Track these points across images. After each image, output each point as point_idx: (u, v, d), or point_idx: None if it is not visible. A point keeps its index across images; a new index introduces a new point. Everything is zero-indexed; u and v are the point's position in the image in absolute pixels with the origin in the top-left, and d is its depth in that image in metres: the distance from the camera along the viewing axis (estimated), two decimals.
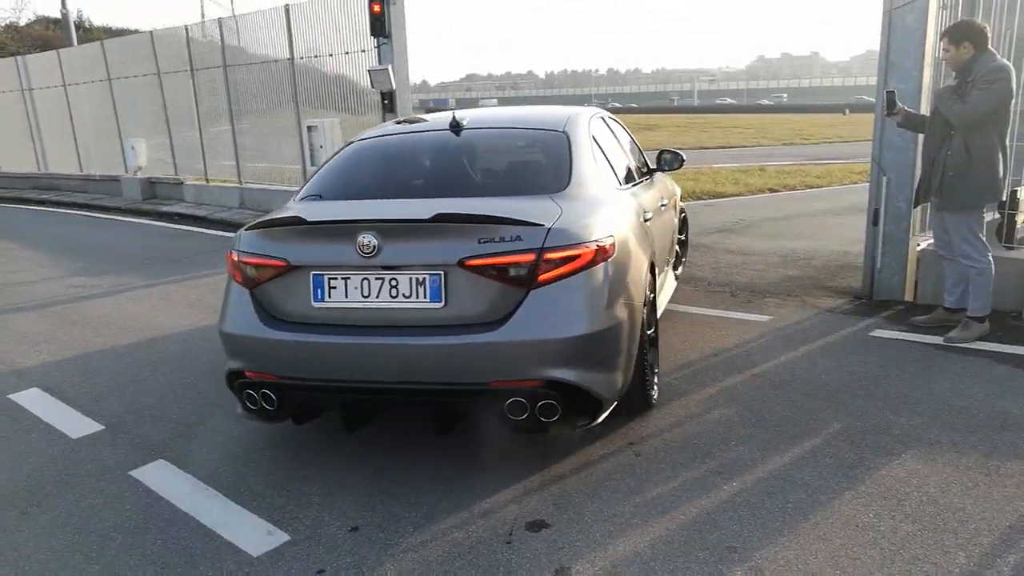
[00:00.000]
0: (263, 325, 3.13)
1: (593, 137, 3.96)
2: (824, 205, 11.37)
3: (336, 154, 4.05)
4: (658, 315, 4.16)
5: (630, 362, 3.24)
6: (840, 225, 9.27)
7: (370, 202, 3.46)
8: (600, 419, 3.13)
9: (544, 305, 2.89)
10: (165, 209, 12.50)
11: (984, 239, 4.64)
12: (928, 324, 4.91)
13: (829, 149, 32.23)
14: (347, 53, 9.30)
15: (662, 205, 4.74)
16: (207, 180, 12.65)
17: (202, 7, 67.75)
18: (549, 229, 2.93)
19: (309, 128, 9.73)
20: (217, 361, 4.29)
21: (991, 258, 4.62)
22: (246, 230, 3.29)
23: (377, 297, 2.99)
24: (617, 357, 3.11)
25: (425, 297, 2.95)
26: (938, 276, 5.01)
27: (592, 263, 2.98)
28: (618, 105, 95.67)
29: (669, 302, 5.21)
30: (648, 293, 3.60)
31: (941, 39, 4.65)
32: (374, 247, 2.93)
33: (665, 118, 62.10)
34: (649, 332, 3.65)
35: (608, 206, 3.42)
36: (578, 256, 2.95)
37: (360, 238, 2.93)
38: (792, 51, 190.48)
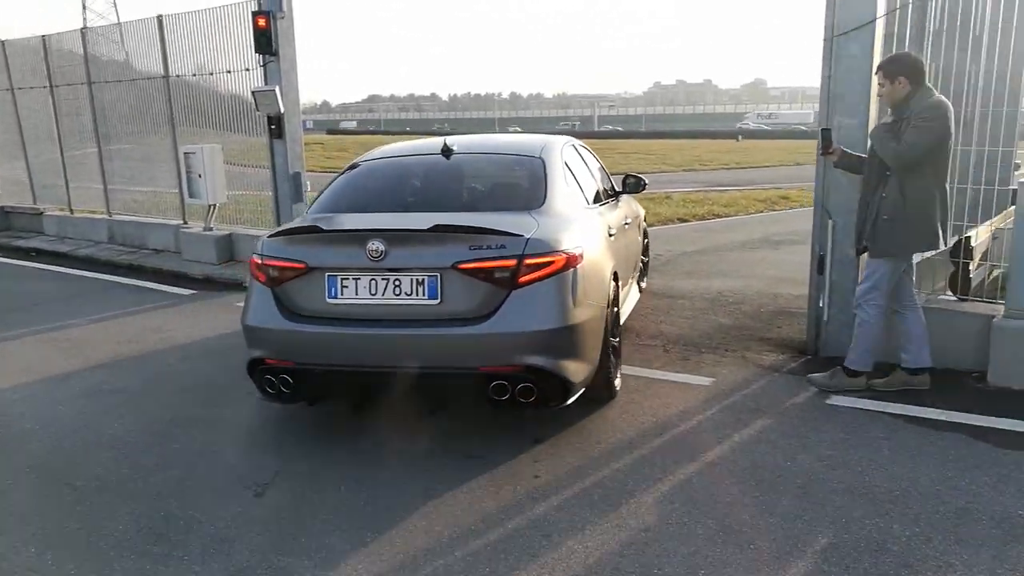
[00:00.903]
0: (283, 319, 3.65)
1: (565, 162, 4.55)
2: (738, 237, 11.08)
3: (340, 174, 4.63)
4: (622, 322, 4.79)
5: (595, 354, 3.81)
6: (761, 261, 8.91)
7: (377, 214, 4.03)
8: (570, 401, 3.69)
9: (523, 303, 3.44)
10: (21, 244, 10.98)
11: (885, 296, 4.27)
12: (887, 388, 4.40)
13: (728, 175, 32.89)
14: (229, 72, 8.30)
15: (626, 223, 5.28)
16: (71, 211, 11.22)
17: (84, 18, 63.77)
18: (528, 239, 3.50)
19: (186, 154, 8.64)
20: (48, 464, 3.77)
21: (881, 316, 4.30)
22: (268, 237, 3.86)
23: (383, 295, 3.53)
24: (584, 349, 3.67)
25: (424, 295, 3.50)
26: (891, 332, 4.53)
27: (564, 268, 3.53)
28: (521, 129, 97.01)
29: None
30: (611, 296, 4.15)
31: (876, 73, 4.23)
32: (381, 252, 3.47)
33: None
34: (613, 340, 4.25)
35: (578, 222, 4.04)
36: (552, 262, 3.50)
37: (370, 244, 3.47)
38: (687, 78, 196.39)
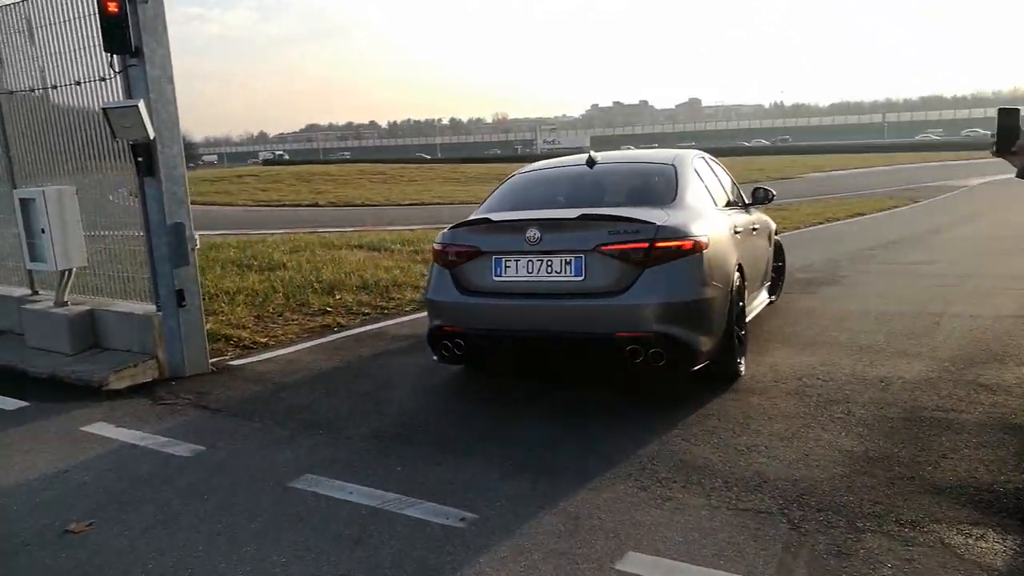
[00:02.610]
0: (457, 293, 4.61)
1: (696, 170, 5.36)
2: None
3: (502, 183, 5.59)
4: (748, 318, 5.40)
5: (718, 330, 4.52)
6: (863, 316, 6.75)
7: (532, 211, 4.77)
8: (696, 367, 4.44)
9: (654, 279, 4.23)
10: None
11: None
12: None
13: None
14: (79, 83, 5.84)
15: (753, 229, 5.92)
16: None
17: None
18: (659, 226, 4.30)
19: (22, 201, 6.13)
20: None
21: None
22: (449, 229, 4.79)
23: (538, 273, 4.40)
24: (708, 323, 4.42)
25: (571, 273, 4.33)
26: None
27: (691, 251, 4.31)
28: (498, 152, 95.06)
29: None
30: (736, 284, 4.83)
31: None
32: (538, 238, 4.34)
33: (515, 166, 60.70)
34: (739, 330, 4.94)
35: (704, 217, 4.78)
36: (680, 246, 4.29)
37: (528, 232, 4.37)
38: (623, 99, 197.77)
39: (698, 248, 4.35)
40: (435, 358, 4.90)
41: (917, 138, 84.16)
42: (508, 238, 4.50)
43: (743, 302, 5.16)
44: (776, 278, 7.31)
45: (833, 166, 47.54)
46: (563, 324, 4.36)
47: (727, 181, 6.13)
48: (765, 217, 6.90)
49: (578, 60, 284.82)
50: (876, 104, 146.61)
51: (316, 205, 29.83)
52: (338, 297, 8.32)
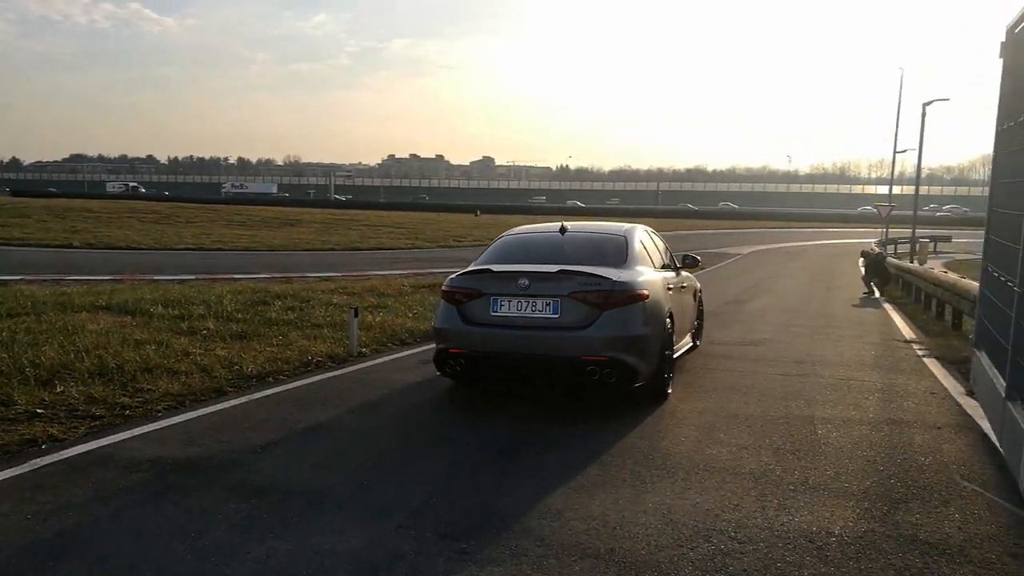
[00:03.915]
0: (462, 323, 6.02)
1: (640, 240, 6.99)
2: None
3: (494, 242, 7.08)
4: (676, 355, 7.05)
5: (654, 359, 6.08)
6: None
7: (521, 264, 6.22)
8: (636, 385, 5.94)
9: (610, 319, 5.75)
10: None
11: None
12: None
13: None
14: None
15: (681, 287, 7.62)
16: None
17: None
18: (614, 281, 5.85)
19: None
20: None
21: None
22: (456, 276, 6.31)
23: (525, 311, 5.86)
24: (646, 353, 5.96)
25: (550, 312, 5.82)
26: None
27: (636, 300, 5.91)
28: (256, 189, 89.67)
29: None
30: (668, 327, 6.43)
31: None
32: (526, 285, 5.84)
33: (307, 212, 57.74)
34: (668, 356, 6.50)
35: (646, 276, 6.35)
36: (628, 296, 5.86)
37: (520, 280, 5.88)
38: (420, 152, 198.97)
39: (641, 298, 6.00)
40: (438, 373, 6.42)
41: (679, 206, 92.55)
42: (504, 284, 6.00)
43: (673, 341, 6.79)
44: (698, 326, 8.94)
45: None
46: (542, 348, 5.83)
47: (663, 249, 7.75)
48: (692, 277, 8.61)
49: (375, 109, 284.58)
50: (650, 172, 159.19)
51: (69, 246, 25.61)
52: (59, 390, 6.05)
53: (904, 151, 39.53)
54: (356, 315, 8.43)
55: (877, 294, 17.70)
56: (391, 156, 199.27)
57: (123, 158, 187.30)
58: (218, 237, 31.91)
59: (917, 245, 31.56)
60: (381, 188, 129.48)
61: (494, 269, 6.18)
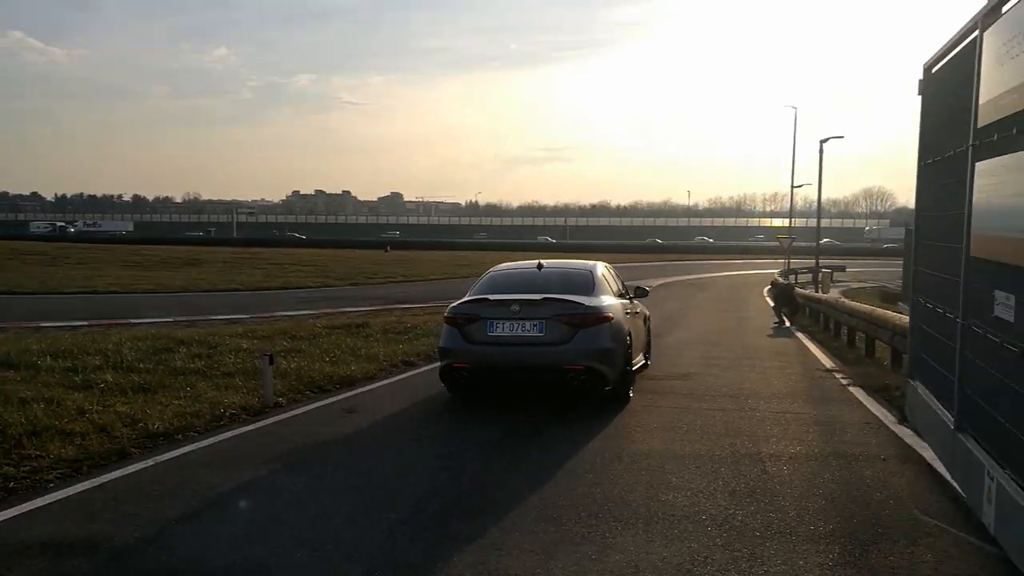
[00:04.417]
0: (463, 342, 7.30)
1: (602, 274, 8.44)
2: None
3: (483, 276, 8.48)
4: (634, 368, 8.45)
5: (619, 369, 7.51)
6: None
7: (510, 294, 7.53)
8: (606, 388, 7.40)
9: (585, 336, 7.10)
10: None
11: None
12: None
13: (402, 290, 30.19)
14: None
15: (636, 312, 9.12)
16: None
17: None
18: (586, 306, 7.26)
19: None
20: None
21: None
22: (457, 304, 7.64)
23: (516, 331, 7.14)
24: (614, 363, 7.37)
25: (536, 331, 7.11)
26: None
27: (604, 321, 7.31)
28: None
29: None
30: (628, 343, 7.89)
31: None
32: (517, 310, 7.16)
33: (209, 251, 55.44)
34: (629, 367, 7.97)
35: (609, 301, 7.80)
36: (597, 318, 7.25)
37: (512, 306, 7.19)
38: (326, 188, 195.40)
39: (608, 319, 7.44)
40: (444, 386, 7.82)
41: (539, 239, 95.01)
42: (498, 310, 7.31)
43: (632, 355, 8.22)
44: (648, 346, 10.39)
45: None
46: (531, 360, 7.25)
47: (618, 281, 9.10)
48: (642, 305, 9.91)
49: (278, 145, 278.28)
50: (557, 208, 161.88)
51: None
52: None
53: (800, 185, 41.43)
54: (271, 362, 7.86)
55: (787, 323, 18.19)
56: (295, 192, 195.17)
57: (4, 195, 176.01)
58: (113, 279, 30.10)
59: (820, 274, 32.92)
60: (286, 225, 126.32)
61: (490, 298, 7.53)
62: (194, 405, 7.24)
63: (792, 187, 40.32)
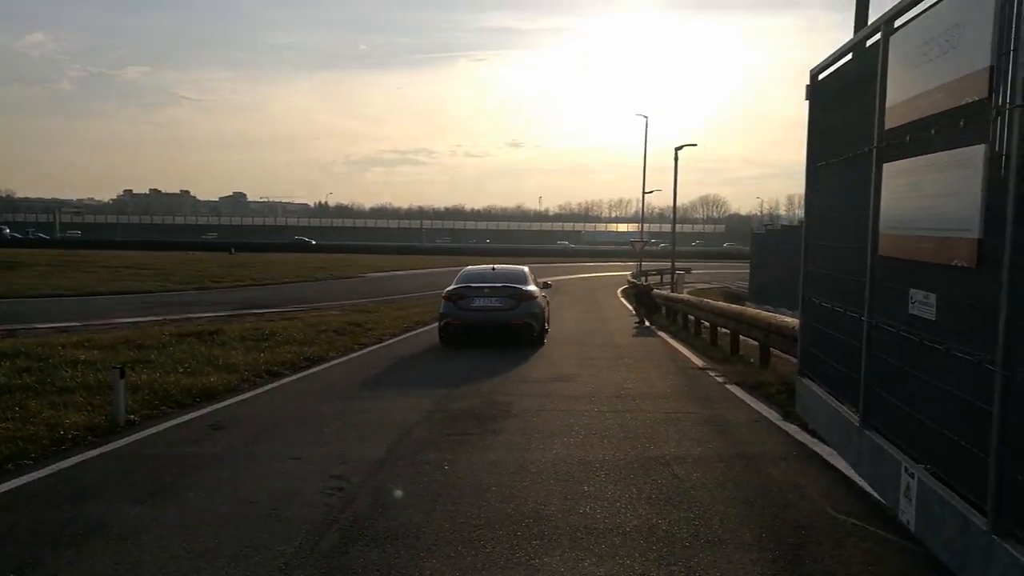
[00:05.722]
0: (456, 310, 13.26)
1: (529, 271, 14.79)
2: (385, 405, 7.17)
3: (461, 273, 14.52)
4: (547, 328, 14.33)
5: (541, 325, 13.76)
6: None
7: (480, 283, 13.68)
8: (535, 335, 13.43)
9: (527, 306, 13.38)
10: None
11: None
12: None
13: (257, 294, 28.50)
14: None
15: (544, 297, 14.63)
16: None
17: None
18: (523, 290, 13.53)
19: None
20: None
21: None
22: (450, 288, 13.60)
23: (486, 303, 13.29)
24: (540, 321, 13.73)
25: (497, 303, 13.28)
26: None
27: (534, 298, 13.65)
28: None
29: None
30: (546, 312, 14.40)
31: None
32: (487, 291, 13.43)
33: (31, 253, 50.07)
34: (545, 326, 14.20)
35: (535, 288, 14.03)
36: (530, 296, 13.56)
37: (484, 289, 13.48)
38: (162, 187, 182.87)
39: (535, 297, 13.58)
40: (439, 339, 13.46)
41: (437, 242, 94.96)
42: (476, 291, 13.22)
43: (545, 320, 14.17)
44: (548, 319, 14.81)
45: (390, 266, 49.21)
46: (496, 319, 13.10)
47: (535, 276, 14.63)
48: (545, 293, 14.89)
49: (106, 140, 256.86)
50: (411, 211, 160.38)
51: None
52: None
53: (652, 192, 43.10)
54: (122, 375, 6.91)
55: (647, 323, 18.71)
56: (127, 191, 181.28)
57: None
58: None
59: (675, 276, 34.33)
60: (119, 226, 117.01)
61: (472, 285, 13.34)
62: (26, 428, 6.21)
63: (644, 192, 41.94)
